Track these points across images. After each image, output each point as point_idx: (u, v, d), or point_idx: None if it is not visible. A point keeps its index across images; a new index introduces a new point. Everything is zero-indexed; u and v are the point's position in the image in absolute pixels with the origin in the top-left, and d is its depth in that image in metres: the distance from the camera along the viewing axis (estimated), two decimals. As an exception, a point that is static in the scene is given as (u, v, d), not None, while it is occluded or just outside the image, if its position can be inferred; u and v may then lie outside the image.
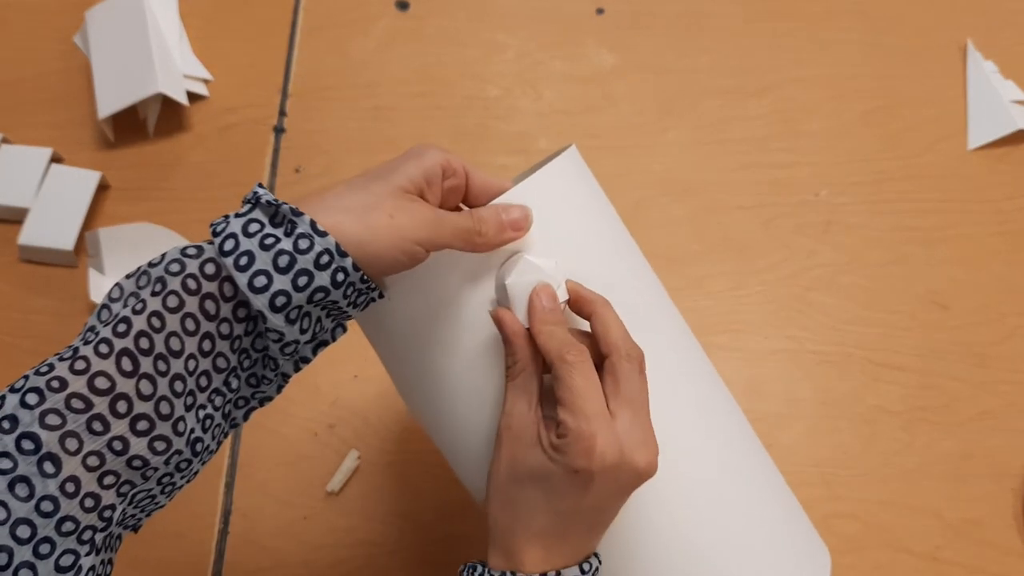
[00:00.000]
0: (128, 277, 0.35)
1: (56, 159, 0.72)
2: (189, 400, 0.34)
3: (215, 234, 0.34)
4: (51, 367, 0.32)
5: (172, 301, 0.33)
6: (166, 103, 0.74)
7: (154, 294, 0.33)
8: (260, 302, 0.33)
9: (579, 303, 0.39)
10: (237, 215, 0.35)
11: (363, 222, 0.35)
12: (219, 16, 0.81)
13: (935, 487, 0.59)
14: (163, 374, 0.33)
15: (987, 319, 0.66)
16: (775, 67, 0.78)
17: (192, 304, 0.34)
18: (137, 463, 0.33)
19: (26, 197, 0.69)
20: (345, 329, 0.39)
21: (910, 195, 0.71)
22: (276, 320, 0.34)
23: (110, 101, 0.71)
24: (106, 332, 0.33)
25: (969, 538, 0.58)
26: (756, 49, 0.79)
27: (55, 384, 0.31)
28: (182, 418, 0.34)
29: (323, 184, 0.72)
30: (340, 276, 0.34)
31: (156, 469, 0.34)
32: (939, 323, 0.65)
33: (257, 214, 0.34)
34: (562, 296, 0.38)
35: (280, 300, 0.34)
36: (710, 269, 0.68)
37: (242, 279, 0.33)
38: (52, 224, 0.68)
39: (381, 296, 0.37)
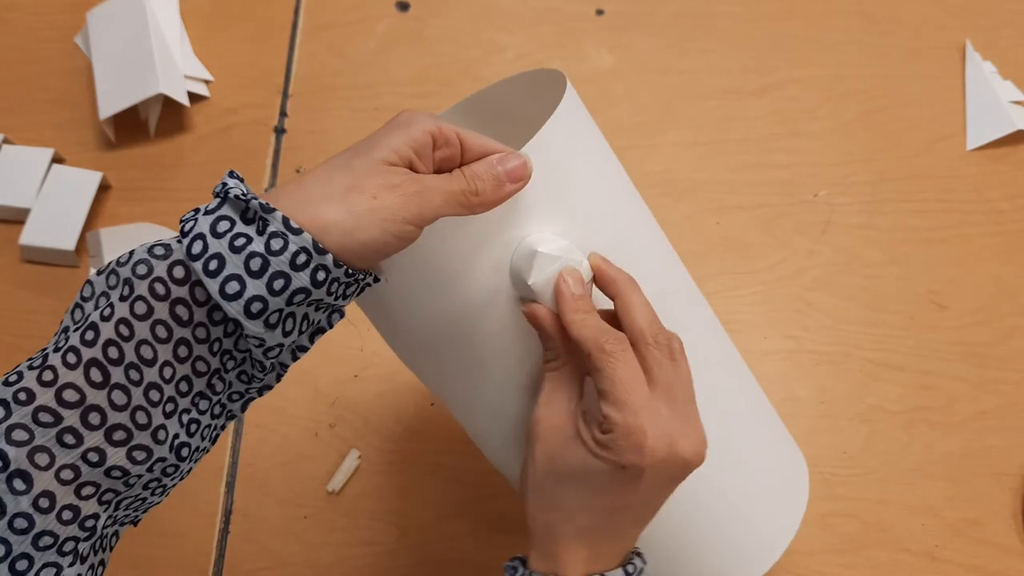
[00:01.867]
0: (99, 273, 0.33)
1: (57, 159, 0.72)
2: (169, 407, 0.32)
3: (183, 233, 0.31)
4: (19, 376, 0.30)
5: (140, 307, 0.31)
6: (167, 103, 0.74)
7: (122, 299, 0.31)
8: (234, 309, 0.31)
9: (603, 281, 0.36)
10: (206, 211, 0.31)
11: (345, 207, 0.31)
12: (220, 17, 0.81)
13: (934, 486, 0.60)
14: (136, 383, 0.31)
15: (986, 319, 0.66)
16: (775, 67, 0.78)
17: (162, 310, 0.31)
18: (116, 473, 0.31)
19: (27, 197, 0.69)
20: (343, 314, 0.36)
21: (909, 195, 0.71)
22: (254, 327, 0.31)
23: (111, 101, 0.71)
24: (74, 339, 0.31)
25: (968, 537, 0.58)
26: (756, 50, 0.79)
27: (22, 396, 0.30)
28: (162, 426, 0.32)
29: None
30: (320, 275, 0.31)
31: (139, 476, 0.32)
32: (938, 323, 0.65)
33: (226, 210, 0.31)
34: (587, 275, 0.36)
35: (256, 306, 0.31)
36: (710, 269, 0.68)
37: (213, 285, 0.30)
38: (53, 224, 0.68)
39: (376, 280, 0.35)
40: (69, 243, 0.67)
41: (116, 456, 0.31)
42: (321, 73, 0.78)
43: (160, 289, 0.31)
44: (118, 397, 0.31)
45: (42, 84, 0.77)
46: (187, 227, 0.31)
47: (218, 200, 0.32)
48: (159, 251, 0.32)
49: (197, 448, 0.34)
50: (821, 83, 0.77)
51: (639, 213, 0.43)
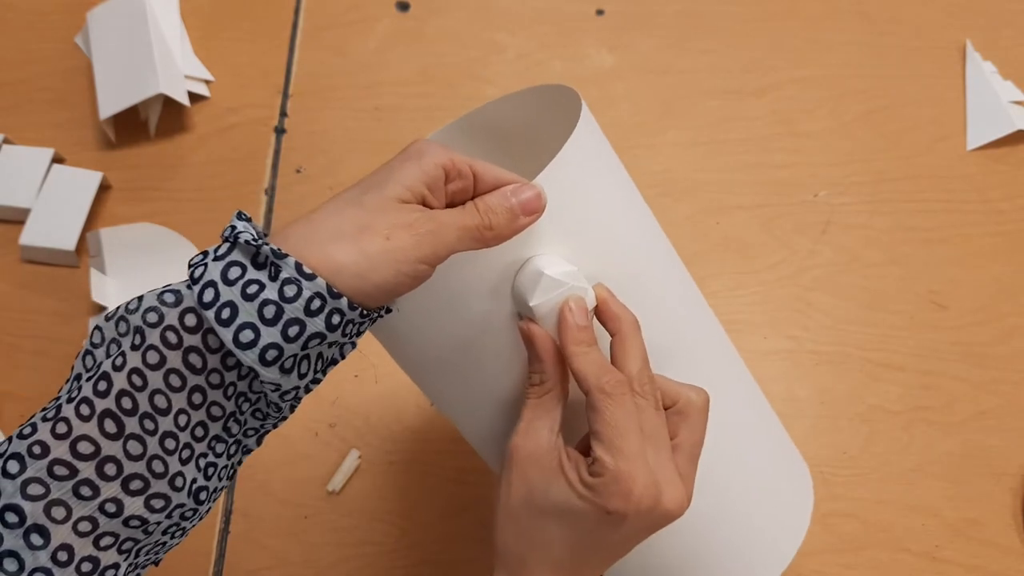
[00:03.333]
0: (108, 319, 0.32)
1: (58, 159, 0.72)
2: (185, 453, 0.32)
3: (194, 280, 0.30)
4: (33, 428, 0.30)
5: (152, 357, 0.30)
6: (167, 103, 0.74)
7: (133, 347, 0.31)
8: (249, 358, 0.30)
9: (606, 316, 0.36)
10: (216, 256, 0.31)
11: (357, 248, 0.31)
12: (220, 17, 0.81)
13: (934, 486, 0.60)
14: (151, 433, 0.31)
15: (986, 319, 0.66)
16: (774, 67, 0.78)
17: (174, 359, 0.31)
18: (135, 522, 0.31)
19: (27, 197, 0.69)
20: (355, 346, 0.35)
21: (909, 195, 0.71)
22: (270, 374, 0.31)
23: (111, 101, 0.71)
24: (87, 389, 0.30)
25: (968, 537, 0.58)
26: (756, 49, 0.79)
27: (36, 450, 0.29)
28: (180, 473, 0.32)
29: (324, 185, 0.72)
30: (335, 319, 0.31)
31: (158, 523, 0.32)
32: (938, 323, 0.65)
33: (237, 255, 0.30)
34: (590, 304, 0.35)
35: (271, 354, 0.30)
36: (710, 269, 0.68)
37: (226, 334, 0.30)
38: (53, 224, 0.68)
39: (388, 311, 0.34)
40: (69, 243, 0.67)
41: (134, 506, 0.31)
42: (321, 73, 0.78)
43: (172, 338, 0.31)
44: (133, 447, 0.31)
45: (42, 84, 0.77)
46: (197, 273, 0.30)
47: (227, 244, 0.31)
48: (169, 298, 0.31)
49: (215, 489, 0.34)
50: (821, 83, 0.77)
51: (653, 241, 0.42)
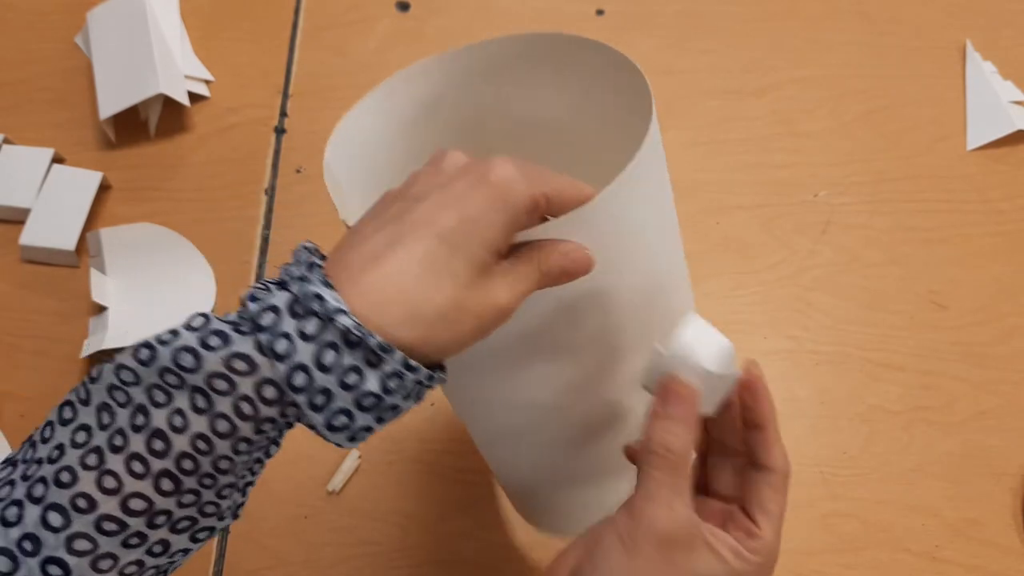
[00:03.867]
0: (137, 359, 0.29)
1: (58, 159, 0.72)
2: (237, 490, 0.32)
3: (277, 356, 0.28)
4: (73, 476, 0.28)
5: (222, 426, 0.29)
6: (167, 103, 0.74)
7: (197, 410, 0.28)
8: (337, 438, 0.30)
9: (753, 399, 0.36)
10: (306, 336, 0.28)
11: (450, 333, 0.30)
12: (220, 17, 0.81)
13: (934, 486, 0.59)
14: (209, 487, 0.30)
15: (986, 319, 0.66)
16: (774, 67, 0.78)
17: (247, 429, 0.29)
18: (179, 556, 0.31)
19: (27, 197, 0.69)
20: None
21: (909, 195, 0.71)
22: (351, 445, 0.31)
23: (111, 101, 0.71)
24: (138, 445, 0.28)
25: (968, 537, 0.58)
26: (756, 49, 0.79)
27: (82, 504, 0.28)
28: (229, 506, 0.32)
29: (324, 185, 0.72)
30: (425, 393, 0.31)
31: (195, 549, 0.32)
32: (938, 323, 0.65)
33: (331, 336, 0.28)
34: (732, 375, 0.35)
35: (362, 435, 0.30)
36: (709, 269, 0.68)
37: (318, 419, 0.29)
38: (53, 224, 0.68)
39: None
40: (69, 243, 0.67)
41: (180, 541, 0.31)
42: (321, 73, 0.78)
43: (247, 409, 0.29)
44: (188, 499, 0.30)
45: (42, 84, 0.77)
46: (281, 348, 0.28)
47: (318, 322, 0.28)
48: (241, 367, 0.28)
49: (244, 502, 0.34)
50: (821, 83, 0.77)
51: (680, 252, 0.43)
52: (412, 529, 0.58)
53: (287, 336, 0.28)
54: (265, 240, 0.69)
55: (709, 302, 0.66)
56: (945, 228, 0.70)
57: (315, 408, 0.29)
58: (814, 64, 0.78)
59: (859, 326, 0.65)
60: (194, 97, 0.75)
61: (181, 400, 0.28)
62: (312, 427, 0.30)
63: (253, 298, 0.29)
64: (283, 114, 0.75)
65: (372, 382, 0.28)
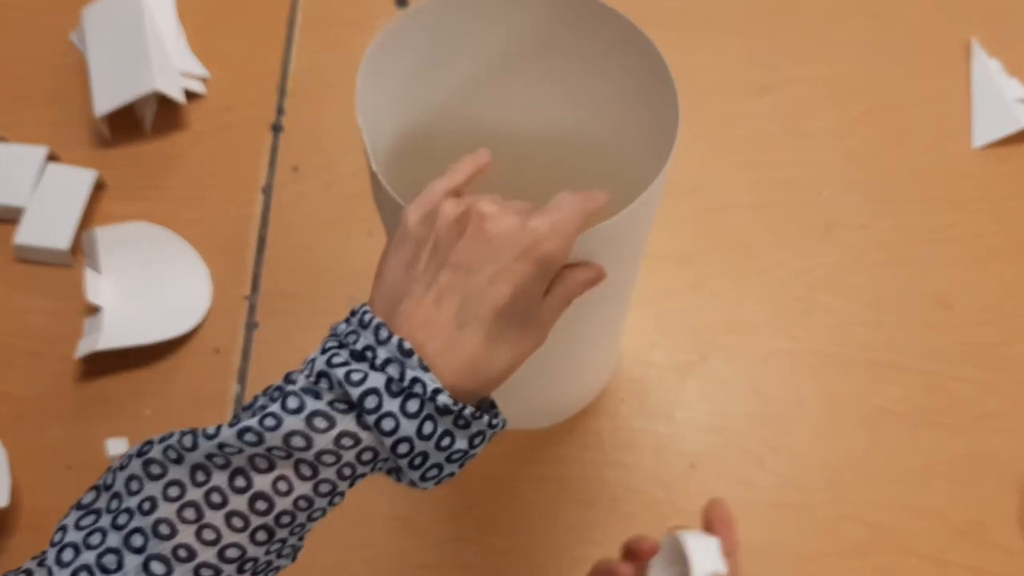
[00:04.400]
0: (243, 441, 0.31)
1: (52, 157, 0.71)
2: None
3: (382, 431, 0.32)
4: (172, 528, 0.31)
5: (324, 488, 0.33)
6: (163, 101, 0.73)
7: (302, 478, 0.32)
8: (427, 484, 0.35)
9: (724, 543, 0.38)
10: (407, 414, 0.32)
11: (507, 376, 0.36)
12: (217, 14, 0.80)
13: (939, 489, 0.59)
14: (295, 533, 0.34)
15: (991, 319, 0.65)
16: (778, 65, 0.77)
17: (343, 486, 0.34)
18: None
19: (22, 196, 0.68)
20: None
21: (914, 194, 0.71)
22: (427, 485, 0.35)
23: (106, 99, 0.71)
24: (240, 504, 0.32)
25: (974, 540, 0.57)
26: (759, 47, 0.78)
27: (182, 554, 0.31)
28: (296, 546, 0.36)
29: (321, 183, 0.71)
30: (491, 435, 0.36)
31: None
32: (943, 324, 0.65)
33: (430, 410, 0.33)
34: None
35: (447, 479, 0.35)
36: (712, 268, 0.67)
37: (414, 475, 0.34)
38: (47, 223, 0.67)
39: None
40: (63, 243, 0.66)
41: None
42: (318, 71, 0.77)
43: (348, 472, 0.33)
44: (275, 546, 0.34)
45: (37, 82, 0.77)
46: (387, 426, 0.32)
47: (417, 401, 0.32)
48: (347, 442, 0.32)
49: None
50: (825, 81, 0.76)
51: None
52: (411, 532, 0.58)
53: (392, 415, 0.32)
54: (262, 239, 0.69)
55: (712, 302, 0.66)
56: (950, 227, 0.69)
57: (413, 467, 0.33)
58: (818, 62, 0.77)
59: (863, 326, 0.65)
60: (190, 95, 0.75)
61: (286, 469, 0.32)
62: (407, 481, 0.35)
63: (348, 378, 0.32)
64: (280, 112, 0.75)
65: (462, 442, 0.34)
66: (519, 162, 0.54)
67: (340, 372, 0.32)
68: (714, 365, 0.63)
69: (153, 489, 0.32)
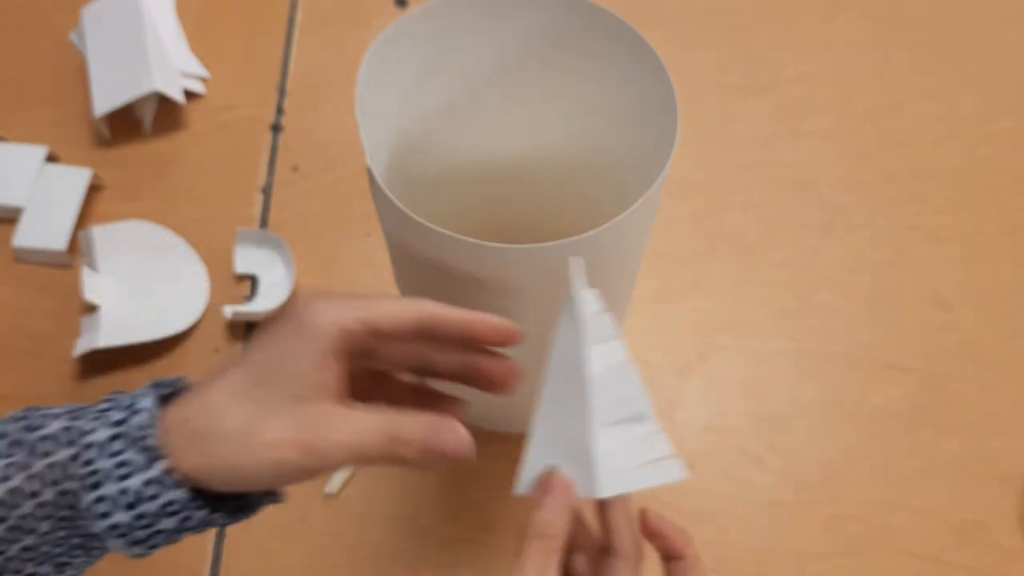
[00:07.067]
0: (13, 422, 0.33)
1: (51, 158, 0.71)
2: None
3: (82, 434, 0.32)
4: None
5: (33, 485, 0.32)
6: (162, 101, 0.73)
7: (15, 467, 0.32)
8: (96, 527, 0.32)
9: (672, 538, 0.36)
10: (119, 422, 0.32)
11: (242, 455, 0.30)
12: (216, 13, 0.80)
13: (938, 489, 0.59)
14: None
15: (992, 320, 0.65)
16: (778, 64, 0.77)
17: (49, 494, 0.32)
18: None
19: (21, 196, 0.68)
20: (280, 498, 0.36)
21: (913, 194, 0.71)
22: (113, 544, 0.32)
23: (106, 99, 0.71)
24: None
25: (973, 540, 0.57)
26: (759, 46, 0.78)
27: None
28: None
29: (321, 183, 0.71)
30: (191, 522, 0.32)
31: None
32: (943, 323, 0.65)
33: (132, 427, 0.32)
34: None
35: (119, 530, 0.32)
36: (711, 268, 0.67)
37: (86, 497, 0.31)
38: (44, 224, 0.67)
39: (279, 499, 0.35)
40: (60, 243, 0.66)
41: None
42: (318, 70, 0.77)
43: (52, 475, 0.32)
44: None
45: (36, 81, 0.77)
46: (88, 434, 0.32)
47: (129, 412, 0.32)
48: (61, 434, 0.32)
49: None
50: (825, 80, 0.76)
51: None
52: (409, 532, 0.58)
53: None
54: (261, 239, 0.69)
55: (711, 301, 0.66)
56: (951, 227, 0.69)
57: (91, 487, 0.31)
58: (818, 61, 0.77)
59: (862, 326, 0.65)
60: (189, 95, 0.75)
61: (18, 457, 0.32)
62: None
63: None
64: (280, 112, 0.75)
65: (137, 479, 0.30)
66: (518, 162, 0.54)
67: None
68: (713, 365, 0.63)
69: None
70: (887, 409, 0.62)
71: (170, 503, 0.31)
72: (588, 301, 0.34)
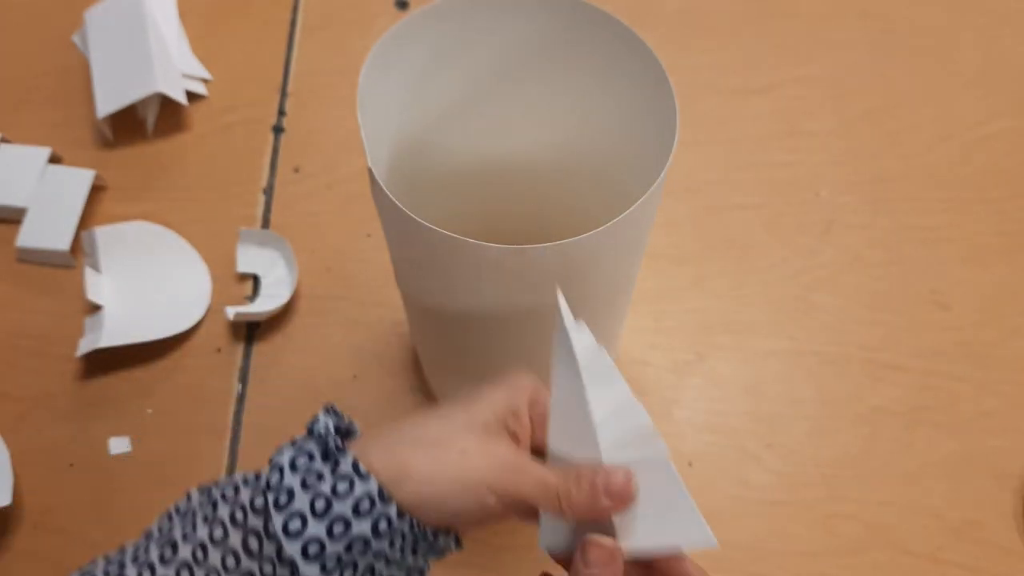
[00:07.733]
0: (200, 491, 0.33)
1: (54, 159, 0.72)
2: None
3: (271, 463, 0.31)
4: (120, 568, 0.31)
5: (218, 532, 0.30)
6: (165, 102, 0.73)
7: (204, 520, 0.31)
8: (292, 548, 0.29)
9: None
10: (293, 443, 0.31)
11: (430, 457, 0.31)
12: (218, 15, 0.81)
13: (936, 488, 0.59)
14: None
15: (988, 319, 0.65)
16: (776, 66, 0.77)
17: (235, 538, 0.30)
18: None
19: (24, 197, 0.69)
20: (422, 573, 0.35)
21: (912, 194, 0.71)
22: (308, 569, 0.30)
23: (109, 100, 0.71)
24: (154, 554, 0.31)
25: (970, 539, 0.57)
26: (757, 48, 0.78)
27: None
28: None
29: (322, 184, 0.71)
30: (383, 525, 0.30)
31: None
32: (940, 323, 0.65)
33: (311, 444, 0.31)
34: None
35: (313, 548, 0.29)
36: (710, 268, 0.67)
37: (278, 520, 0.30)
38: (47, 225, 0.67)
39: (458, 545, 0.34)
40: (62, 243, 0.67)
41: None
42: (320, 72, 0.77)
43: (239, 516, 0.31)
44: None
45: (39, 83, 0.77)
46: (274, 457, 0.31)
47: (306, 433, 0.32)
48: (251, 478, 0.31)
49: None
50: (823, 82, 0.76)
51: None
52: (411, 531, 0.58)
53: (283, 449, 0.32)
54: (263, 240, 0.69)
55: (710, 302, 0.66)
56: (947, 228, 0.69)
57: (278, 507, 0.30)
58: (816, 63, 0.77)
59: (861, 326, 0.65)
60: (192, 96, 0.75)
61: (199, 515, 0.32)
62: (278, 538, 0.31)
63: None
64: (281, 113, 0.75)
65: (326, 483, 0.30)
66: (519, 162, 0.54)
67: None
68: (712, 365, 0.64)
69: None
70: (885, 408, 0.62)
71: (362, 498, 0.30)
72: (578, 336, 0.33)
